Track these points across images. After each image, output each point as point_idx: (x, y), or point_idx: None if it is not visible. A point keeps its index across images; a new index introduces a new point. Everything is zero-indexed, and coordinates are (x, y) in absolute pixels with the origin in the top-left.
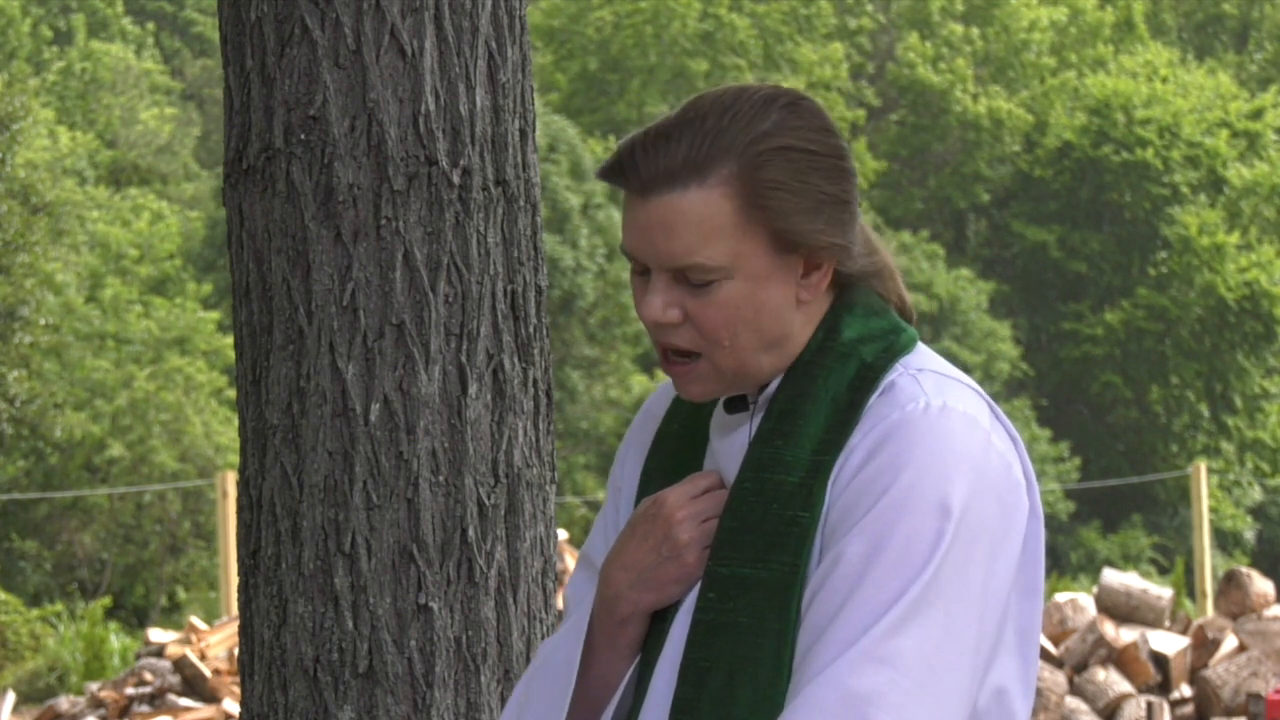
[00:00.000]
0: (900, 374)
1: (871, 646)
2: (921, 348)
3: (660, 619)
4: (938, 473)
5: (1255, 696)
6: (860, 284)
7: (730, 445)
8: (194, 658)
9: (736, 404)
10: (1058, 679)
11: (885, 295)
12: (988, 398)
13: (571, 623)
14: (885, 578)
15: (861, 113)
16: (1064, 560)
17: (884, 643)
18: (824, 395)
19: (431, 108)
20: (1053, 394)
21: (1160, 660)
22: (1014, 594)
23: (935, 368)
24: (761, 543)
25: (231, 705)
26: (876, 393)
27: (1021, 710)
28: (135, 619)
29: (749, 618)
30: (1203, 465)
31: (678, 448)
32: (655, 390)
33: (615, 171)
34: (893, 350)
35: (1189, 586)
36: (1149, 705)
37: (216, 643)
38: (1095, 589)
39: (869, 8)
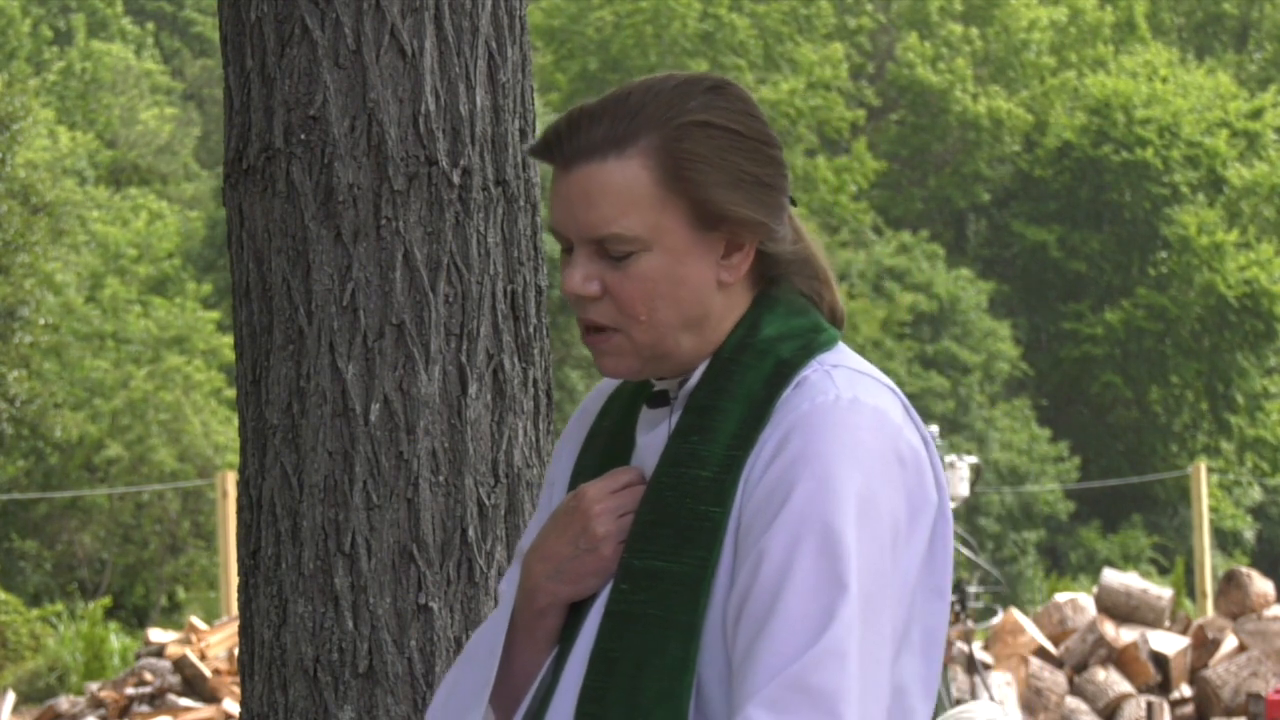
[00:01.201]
0: (814, 370)
1: (828, 644)
2: (842, 347)
3: (578, 611)
4: (846, 464)
5: (1255, 696)
6: (785, 279)
7: (653, 441)
8: (194, 658)
9: (659, 399)
10: (1058, 679)
11: (813, 297)
12: (903, 397)
13: (496, 614)
14: (811, 575)
15: (861, 113)
16: (1064, 560)
17: (833, 641)
18: (741, 391)
19: (431, 108)
20: (1053, 394)
21: (1160, 660)
22: (922, 594)
23: (850, 364)
24: (675, 537)
25: (231, 705)
26: (790, 388)
27: (921, 709)
28: (135, 619)
29: (659, 610)
30: (1203, 465)
31: (609, 444)
32: (596, 386)
33: (543, 148)
34: (811, 348)
35: (1189, 586)
36: (1149, 705)
37: (216, 643)
38: (1095, 589)
39: (869, 7)
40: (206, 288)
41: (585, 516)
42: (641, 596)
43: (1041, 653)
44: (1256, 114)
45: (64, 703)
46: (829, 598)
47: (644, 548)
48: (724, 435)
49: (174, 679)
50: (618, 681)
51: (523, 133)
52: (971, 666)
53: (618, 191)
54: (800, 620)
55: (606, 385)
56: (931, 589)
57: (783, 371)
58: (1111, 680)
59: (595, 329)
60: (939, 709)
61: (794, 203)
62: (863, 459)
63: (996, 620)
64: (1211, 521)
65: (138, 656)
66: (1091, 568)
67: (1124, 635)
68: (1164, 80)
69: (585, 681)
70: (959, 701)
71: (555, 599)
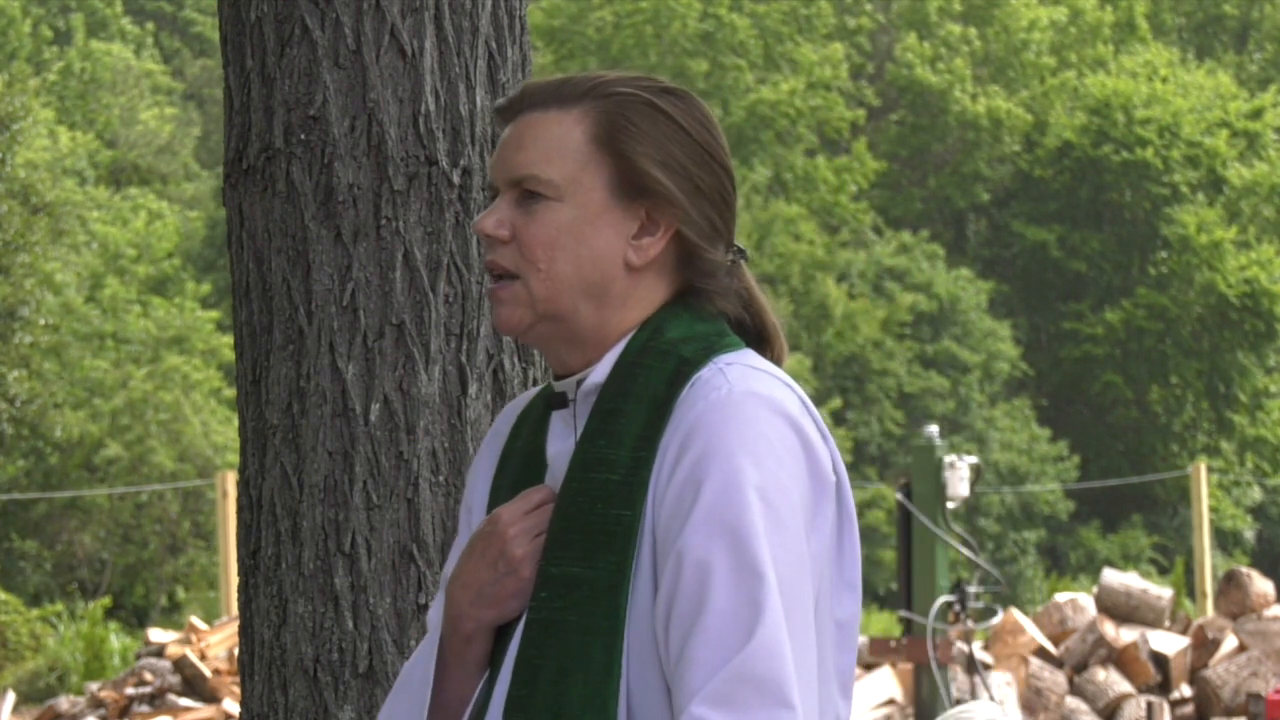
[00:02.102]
0: (709, 369)
1: (765, 634)
2: (745, 350)
3: (505, 632)
4: (747, 456)
5: (1255, 696)
6: (706, 295)
7: (562, 451)
8: (194, 658)
9: (558, 400)
10: (1058, 679)
11: (733, 319)
12: (801, 393)
13: (425, 643)
14: (731, 570)
15: (861, 113)
16: (1064, 560)
17: (769, 631)
18: (644, 393)
19: (431, 108)
20: (1053, 394)
21: (1160, 660)
22: (834, 588)
23: (747, 362)
24: (589, 542)
25: (231, 705)
26: (687, 387)
27: (841, 705)
28: (135, 619)
29: (578, 616)
30: (1203, 465)
31: (523, 464)
32: (505, 408)
33: (503, 106)
34: (711, 349)
35: (1189, 586)
36: (1149, 705)
37: (216, 643)
38: (1095, 589)
39: (868, 7)
40: (206, 288)
41: (502, 540)
42: (560, 604)
43: (1041, 653)
44: (1256, 114)
45: (64, 703)
46: (751, 590)
47: (560, 555)
48: (629, 438)
49: (174, 679)
50: (542, 690)
51: None
52: (971, 666)
53: (548, 137)
54: (730, 615)
55: (516, 405)
56: (844, 583)
57: (683, 371)
58: (1111, 680)
59: (497, 277)
60: (939, 708)
61: (744, 255)
62: (762, 450)
63: (996, 620)
64: (1211, 521)
65: (138, 656)
66: (1091, 568)
67: (1124, 635)
68: (1164, 80)
69: (510, 692)
70: (959, 701)
71: (479, 624)
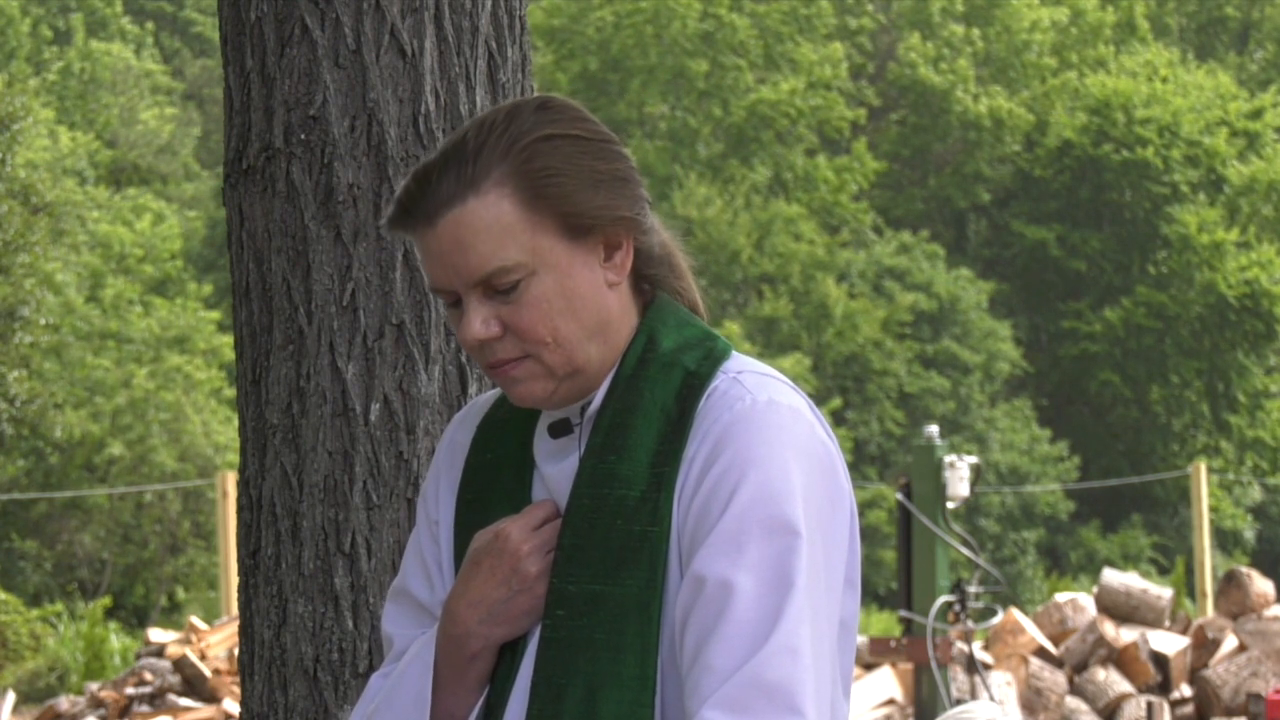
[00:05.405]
0: (722, 379)
1: (781, 640)
2: (736, 353)
3: (510, 649)
4: (778, 465)
5: (1255, 696)
6: (661, 281)
7: (562, 468)
8: (194, 658)
9: (560, 428)
10: (1058, 679)
11: (681, 295)
12: (804, 394)
13: (413, 660)
14: (759, 576)
15: (862, 112)
16: (1064, 560)
17: (785, 636)
18: (652, 407)
19: (431, 108)
20: (1053, 393)
21: (1160, 660)
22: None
23: (753, 369)
24: (610, 559)
25: (231, 705)
26: (703, 399)
27: (842, 704)
28: (135, 619)
29: (605, 634)
30: (1202, 465)
31: (497, 476)
32: (455, 418)
33: (400, 215)
34: (713, 357)
35: (1189, 586)
36: (1149, 705)
37: (216, 643)
38: (1095, 589)
39: (869, 8)
40: (207, 288)
41: (514, 557)
42: (583, 621)
43: (1041, 653)
44: (1256, 114)
45: (64, 703)
46: (779, 596)
47: (576, 572)
48: (643, 452)
49: (174, 679)
50: (569, 708)
51: None
52: (971, 666)
53: (487, 227)
54: (750, 621)
55: (472, 414)
56: (848, 580)
57: (692, 384)
58: (1111, 680)
59: (504, 362)
60: (939, 708)
61: (649, 202)
62: (793, 456)
63: (996, 620)
64: (1211, 521)
65: (138, 656)
66: (1091, 568)
67: (1124, 635)
68: (1164, 80)
69: (530, 710)
70: (959, 701)
71: (489, 642)
